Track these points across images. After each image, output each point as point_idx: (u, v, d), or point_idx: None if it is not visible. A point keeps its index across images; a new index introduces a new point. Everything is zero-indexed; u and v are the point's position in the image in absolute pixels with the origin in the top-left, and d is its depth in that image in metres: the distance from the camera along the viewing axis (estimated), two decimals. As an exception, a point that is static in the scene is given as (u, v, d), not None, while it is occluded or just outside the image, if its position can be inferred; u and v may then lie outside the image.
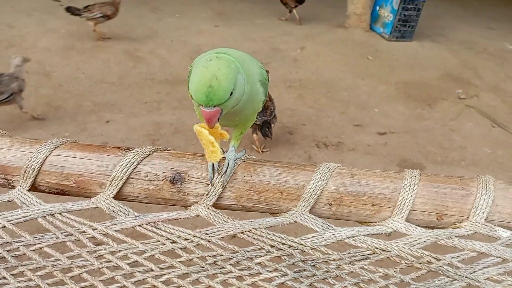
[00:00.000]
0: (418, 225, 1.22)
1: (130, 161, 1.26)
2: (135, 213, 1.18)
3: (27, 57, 4.09)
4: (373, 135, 4.23)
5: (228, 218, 1.20)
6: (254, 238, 1.15)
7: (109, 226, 1.14)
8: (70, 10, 5.69)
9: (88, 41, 5.67)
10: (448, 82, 5.35)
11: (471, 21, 7.13)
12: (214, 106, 1.04)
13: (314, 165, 1.31)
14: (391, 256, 1.14)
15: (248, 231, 1.16)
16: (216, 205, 1.27)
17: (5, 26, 5.83)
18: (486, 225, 1.19)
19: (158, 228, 1.14)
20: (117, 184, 1.24)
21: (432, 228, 1.26)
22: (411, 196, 1.21)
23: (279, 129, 4.06)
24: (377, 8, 6.32)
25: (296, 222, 1.21)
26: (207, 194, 1.25)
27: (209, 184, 1.26)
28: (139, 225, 1.14)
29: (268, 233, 1.16)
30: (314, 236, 1.15)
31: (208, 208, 1.22)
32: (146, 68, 5.24)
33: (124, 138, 3.93)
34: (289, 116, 4.39)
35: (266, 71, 1.28)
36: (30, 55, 5.18)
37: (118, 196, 1.28)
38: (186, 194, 1.27)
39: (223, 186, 1.25)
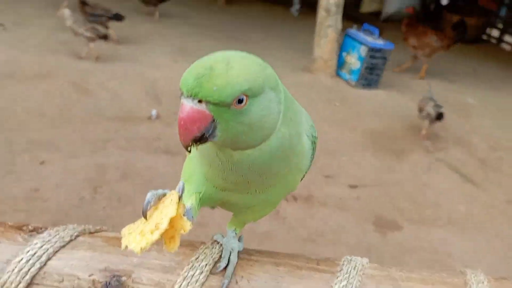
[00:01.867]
0: None
1: (35, 253, 0.76)
2: None
3: None
4: (344, 188, 3.88)
5: None
6: None
7: None
8: None
9: (29, 69, 5.07)
10: (415, 133, 5.18)
11: (431, 73, 7.18)
12: (200, 101, 0.59)
13: (332, 261, 0.88)
14: None
15: None
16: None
17: None
18: None
19: None
20: (9, 295, 0.74)
21: None
22: (485, 318, 0.79)
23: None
24: (344, 54, 6.20)
25: None
26: (163, 312, 0.77)
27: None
28: None
29: None
30: None
31: None
32: (94, 102, 4.69)
33: (59, 183, 3.33)
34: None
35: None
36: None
37: (10, 314, 0.77)
38: (127, 311, 0.79)
39: (190, 298, 0.78)
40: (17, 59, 5.27)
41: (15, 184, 3.23)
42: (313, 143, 0.80)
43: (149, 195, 0.70)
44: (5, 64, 5.08)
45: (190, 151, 0.64)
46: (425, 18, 11.76)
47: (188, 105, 0.60)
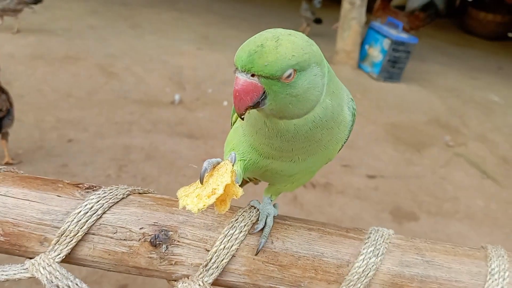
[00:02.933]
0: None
1: (92, 207, 0.84)
2: (91, 292, 0.76)
3: None
4: (362, 178, 3.92)
5: (237, 308, 0.79)
6: None
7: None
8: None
9: (58, 51, 5.20)
10: (436, 128, 5.17)
11: (455, 69, 7.12)
12: (253, 75, 0.66)
13: (360, 230, 0.93)
14: None
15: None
16: (217, 282, 0.86)
17: (-34, 28, 5.30)
18: None
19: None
20: (69, 242, 0.81)
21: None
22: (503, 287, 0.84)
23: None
24: (366, 46, 6.18)
25: (338, 319, 0.81)
26: (205, 265, 0.83)
27: (208, 250, 0.85)
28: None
29: None
30: None
31: (205, 288, 0.81)
32: (120, 86, 4.81)
33: (87, 161, 3.45)
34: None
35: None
36: (-11, 59, 4.67)
37: (68, 260, 0.85)
38: (172, 263, 0.85)
39: (229, 255, 0.85)
40: (46, 41, 5.42)
41: (45, 159, 3.36)
42: (353, 115, 0.85)
43: (205, 164, 0.76)
44: (35, 46, 5.23)
45: (243, 119, 0.71)
46: (449, 14, 11.62)
47: (242, 79, 0.66)
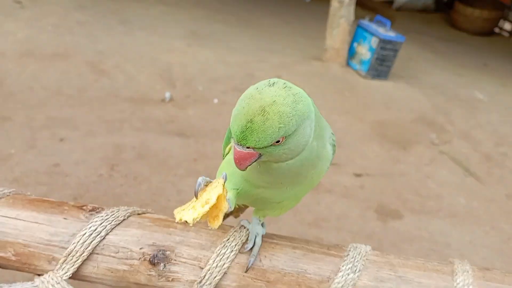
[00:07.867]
0: None
1: (96, 229, 0.92)
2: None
3: None
4: (349, 176, 4.03)
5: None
6: None
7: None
8: None
9: (47, 48, 5.20)
10: (422, 126, 5.30)
11: (441, 66, 7.25)
12: (248, 148, 0.76)
13: (340, 247, 1.03)
14: None
15: None
16: (210, 297, 0.95)
17: (-46, 23, 5.26)
18: None
19: None
20: (75, 262, 0.89)
21: None
22: (467, 300, 0.94)
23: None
24: (355, 44, 6.27)
25: (320, 331, 0.90)
26: (199, 282, 0.92)
27: (202, 268, 0.94)
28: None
29: None
30: None
31: (200, 304, 0.89)
32: (110, 83, 4.83)
33: (79, 160, 3.50)
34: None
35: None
36: (-21, 57, 4.66)
37: (74, 277, 0.93)
38: (170, 279, 0.94)
39: (221, 272, 0.94)
40: (35, 37, 5.40)
41: (37, 159, 3.40)
42: (334, 146, 0.95)
43: (200, 179, 0.85)
44: (24, 42, 5.22)
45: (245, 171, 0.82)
46: (437, 9, 11.75)
47: (239, 150, 0.76)
